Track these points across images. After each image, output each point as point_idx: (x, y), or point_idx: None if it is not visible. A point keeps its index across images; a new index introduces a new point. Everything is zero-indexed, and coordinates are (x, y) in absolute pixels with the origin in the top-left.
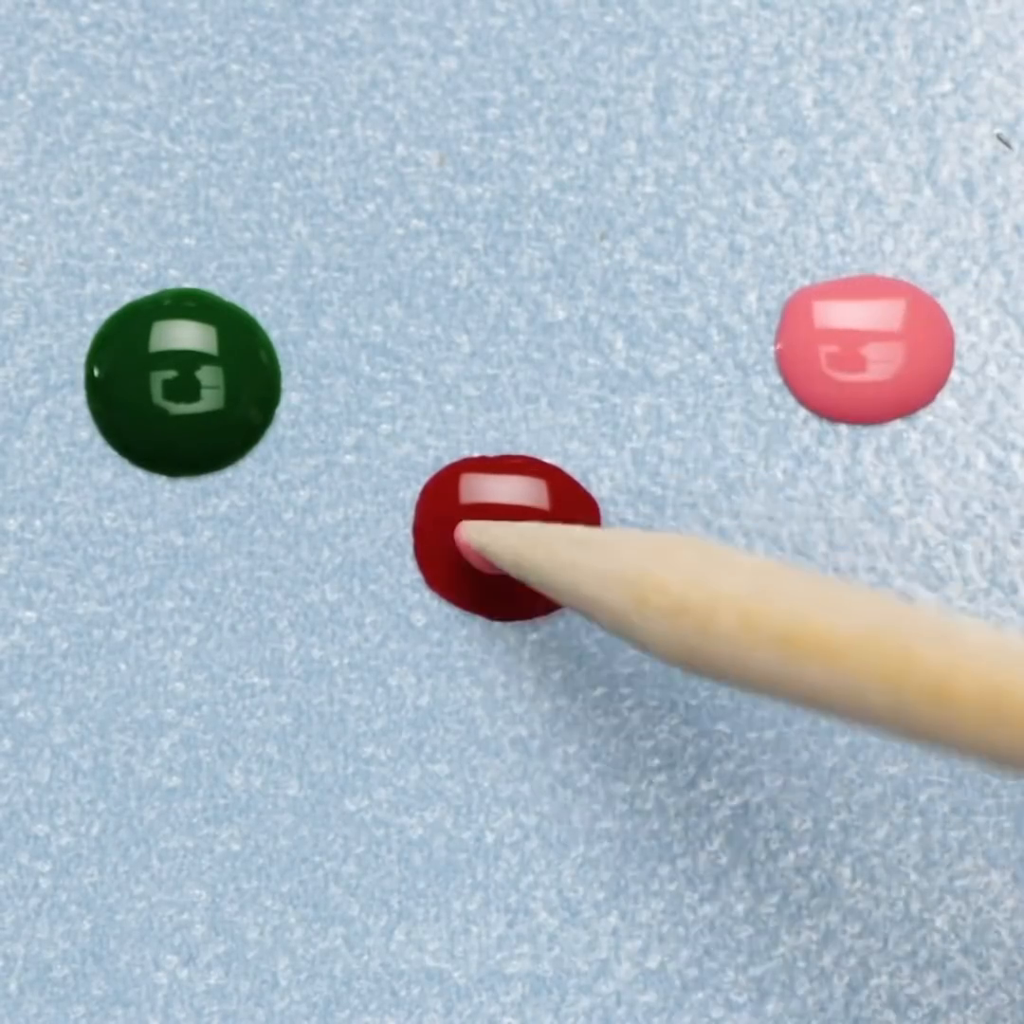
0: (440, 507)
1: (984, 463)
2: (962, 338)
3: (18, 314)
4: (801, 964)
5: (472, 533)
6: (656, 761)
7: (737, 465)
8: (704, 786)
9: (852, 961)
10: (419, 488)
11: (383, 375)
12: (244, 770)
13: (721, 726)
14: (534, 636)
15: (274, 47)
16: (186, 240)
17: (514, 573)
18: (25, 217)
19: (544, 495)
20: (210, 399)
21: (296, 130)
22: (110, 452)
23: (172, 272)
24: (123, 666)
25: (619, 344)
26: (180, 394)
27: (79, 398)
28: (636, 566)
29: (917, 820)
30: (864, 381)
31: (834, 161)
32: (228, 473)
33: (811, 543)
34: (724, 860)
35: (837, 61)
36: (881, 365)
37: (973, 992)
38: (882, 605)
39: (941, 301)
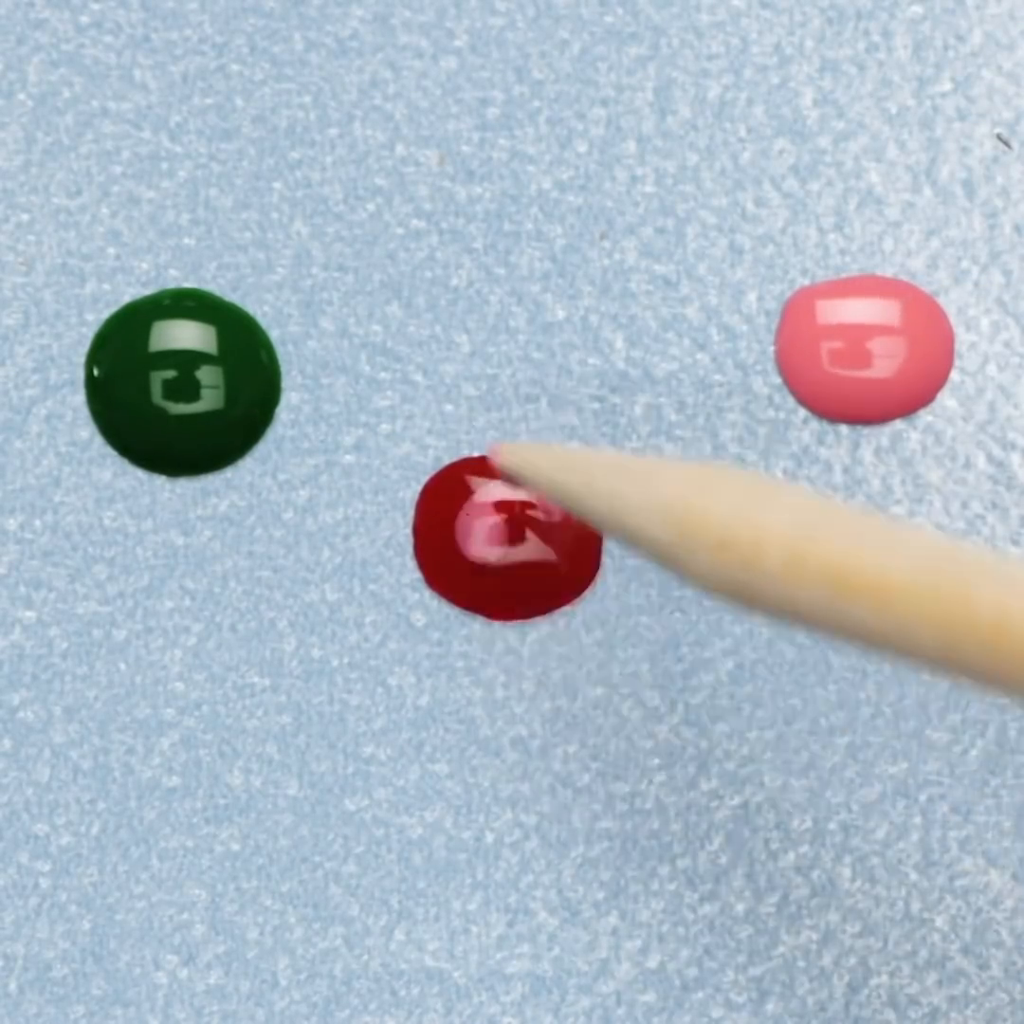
0: (440, 507)
1: (984, 463)
2: (962, 338)
3: (18, 314)
4: (801, 964)
5: (507, 456)
6: (656, 761)
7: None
8: (704, 786)
9: (852, 961)
10: (419, 488)
11: (383, 375)
12: (244, 770)
13: (721, 726)
14: (534, 636)
15: (274, 47)
16: (186, 240)
17: (549, 499)
18: (25, 217)
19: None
20: (210, 399)
21: (296, 130)
22: (110, 452)
23: (172, 272)
24: (123, 666)
25: (619, 344)
26: (180, 394)
27: (79, 398)
28: (680, 498)
29: (917, 820)
30: (866, 379)
31: (834, 161)
32: (228, 473)
33: None
34: (724, 860)
35: (837, 61)
36: (885, 360)
37: (973, 992)
38: (934, 545)
39: (941, 301)
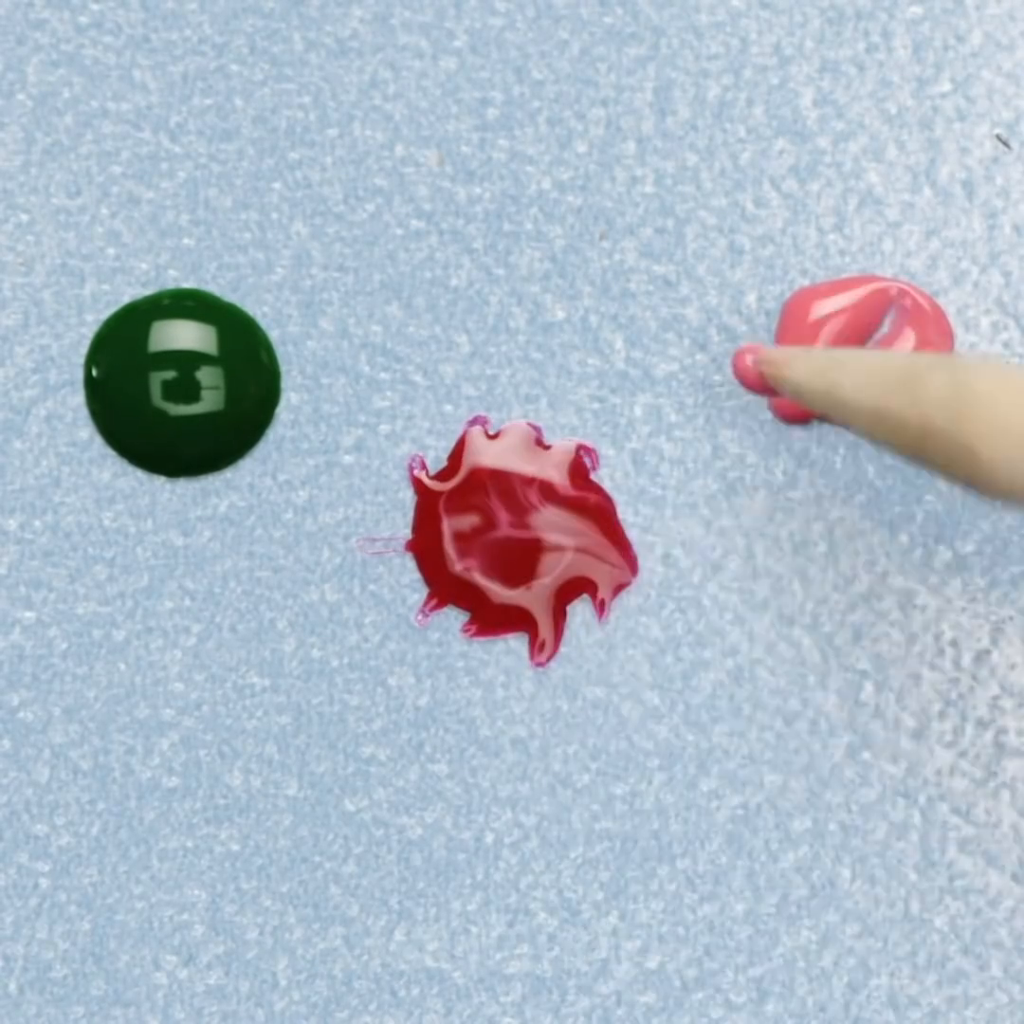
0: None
1: None
2: (962, 338)
3: (18, 314)
4: (801, 964)
5: (763, 361)
6: (656, 761)
7: (737, 465)
8: (704, 786)
9: (852, 961)
10: None
11: (383, 375)
12: (244, 770)
13: (721, 726)
14: None
15: (274, 47)
16: (186, 240)
17: (806, 405)
18: (25, 217)
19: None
20: (210, 400)
21: (296, 130)
22: (110, 452)
23: (172, 272)
24: (123, 666)
25: (619, 344)
26: (180, 395)
27: (79, 398)
28: (988, 397)
29: (917, 820)
30: None
31: (834, 161)
32: (228, 473)
33: (811, 543)
34: (724, 860)
35: (837, 61)
36: None
37: (973, 992)
38: None
39: (941, 301)
